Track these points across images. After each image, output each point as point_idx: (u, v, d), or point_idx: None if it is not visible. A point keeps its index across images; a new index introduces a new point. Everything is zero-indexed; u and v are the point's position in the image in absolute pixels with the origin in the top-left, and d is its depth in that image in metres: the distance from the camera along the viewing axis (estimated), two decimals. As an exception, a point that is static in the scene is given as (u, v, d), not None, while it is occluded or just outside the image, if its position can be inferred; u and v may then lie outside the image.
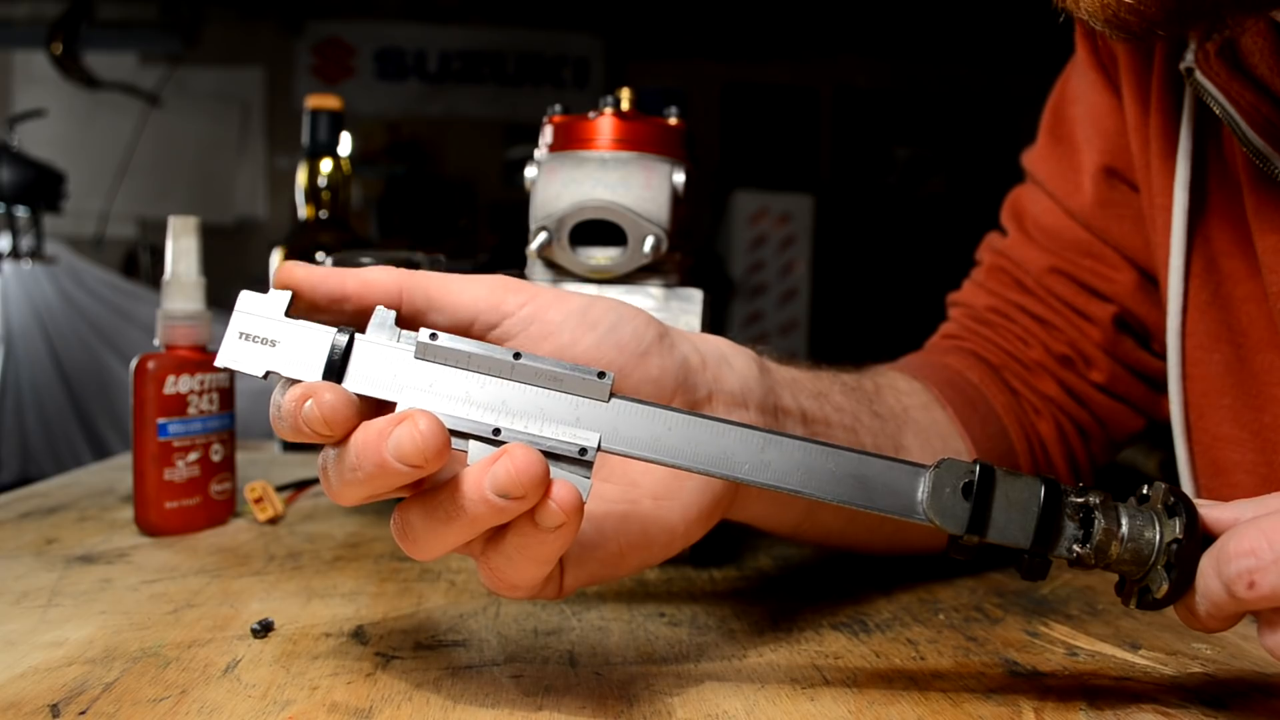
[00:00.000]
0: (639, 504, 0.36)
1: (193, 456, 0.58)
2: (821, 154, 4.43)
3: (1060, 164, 0.59)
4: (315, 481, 0.71)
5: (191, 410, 0.58)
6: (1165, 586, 0.30)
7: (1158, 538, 0.31)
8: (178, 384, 0.57)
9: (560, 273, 0.51)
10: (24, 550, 0.53)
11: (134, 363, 0.57)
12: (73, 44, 3.48)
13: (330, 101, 0.92)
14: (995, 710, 0.34)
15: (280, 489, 0.65)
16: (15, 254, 3.02)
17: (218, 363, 0.31)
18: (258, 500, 0.62)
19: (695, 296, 0.50)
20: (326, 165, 0.91)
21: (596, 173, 0.50)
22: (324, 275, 0.32)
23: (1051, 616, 0.45)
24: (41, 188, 2.95)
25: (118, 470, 0.79)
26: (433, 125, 4.33)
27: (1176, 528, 0.31)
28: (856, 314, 4.09)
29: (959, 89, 4.30)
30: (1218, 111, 0.45)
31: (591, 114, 0.51)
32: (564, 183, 0.50)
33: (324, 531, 0.59)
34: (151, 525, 0.57)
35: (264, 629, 0.40)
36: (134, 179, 3.97)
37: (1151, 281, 0.56)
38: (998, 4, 3.71)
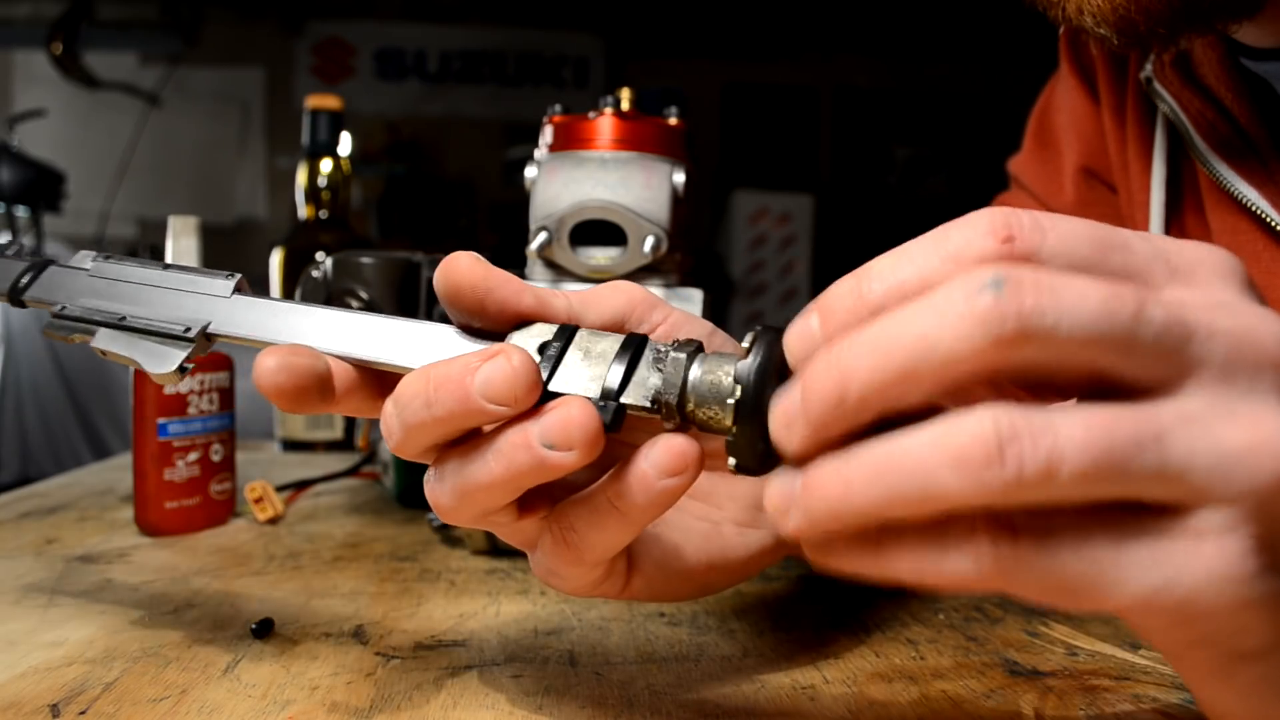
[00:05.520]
0: (721, 526, 0.36)
1: (193, 456, 0.58)
2: (821, 154, 4.43)
3: (1045, 167, 0.61)
4: (315, 481, 0.71)
5: (191, 410, 0.58)
6: (730, 417, 0.25)
7: (733, 377, 0.26)
8: (178, 384, 0.57)
9: (560, 273, 0.51)
10: (24, 550, 0.53)
11: (134, 363, 0.57)
12: (73, 44, 3.47)
13: (330, 101, 0.92)
14: (995, 710, 0.34)
15: (280, 489, 0.65)
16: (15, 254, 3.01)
17: None
18: (258, 500, 0.62)
19: (695, 296, 0.50)
20: (326, 165, 0.91)
21: (596, 173, 0.50)
22: (503, 282, 0.29)
23: (1051, 616, 0.45)
24: (41, 188, 2.95)
25: (118, 470, 0.79)
26: (433, 125, 4.33)
27: (752, 358, 0.26)
28: (856, 314, 4.09)
29: (959, 89, 4.30)
30: (1170, 117, 0.47)
31: (591, 114, 0.51)
32: (564, 183, 0.50)
33: (324, 531, 0.59)
34: (151, 525, 0.57)
35: (264, 629, 0.40)
36: (134, 179, 3.97)
37: None
38: (997, 4, 3.71)
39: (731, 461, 0.26)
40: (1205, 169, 0.46)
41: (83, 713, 0.32)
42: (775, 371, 0.25)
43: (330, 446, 0.90)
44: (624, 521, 0.28)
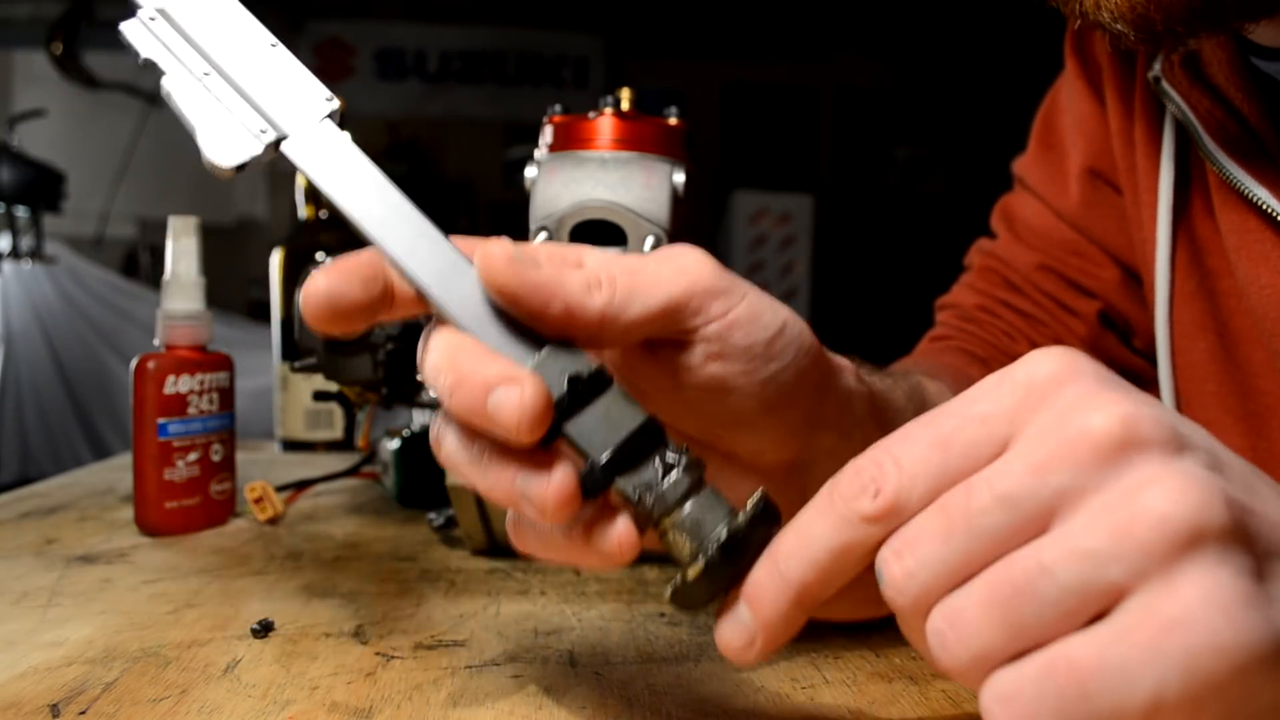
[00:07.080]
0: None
1: (193, 456, 0.58)
2: (821, 154, 4.44)
3: (1050, 169, 0.61)
4: (315, 481, 0.71)
5: (191, 410, 0.58)
6: (698, 568, 0.27)
7: (723, 530, 0.27)
8: (178, 384, 0.57)
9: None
10: (24, 550, 0.53)
11: (134, 363, 0.57)
12: (73, 44, 3.48)
13: (330, 101, 0.92)
14: (995, 710, 0.34)
15: (280, 489, 0.65)
16: (15, 254, 3.02)
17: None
18: (258, 500, 0.62)
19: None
20: (326, 165, 0.91)
21: (596, 173, 0.50)
22: (532, 291, 0.28)
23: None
24: (41, 188, 2.96)
25: (118, 470, 0.79)
26: (433, 125, 4.33)
27: (740, 521, 0.27)
28: (856, 314, 4.09)
29: (959, 89, 4.30)
30: (1179, 117, 0.47)
31: (591, 114, 0.51)
32: (564, 183, 0.50)
33: (324, 531, 0.59)
34: (151, 525, 0.57)
35: (264, 629, 0.40)
36: (134, 179, 3.97)
37: (1135, 279, 0.58)
38: (997, 4, 3.72)
39: (668, 594, 0.27)
40: (1215, 168, 0.45)
41: (83, 713, 0.32)
42: (745, 563, 0.27)
43: (330, 446, 0.90)
44: (566, 559, 0.30)
